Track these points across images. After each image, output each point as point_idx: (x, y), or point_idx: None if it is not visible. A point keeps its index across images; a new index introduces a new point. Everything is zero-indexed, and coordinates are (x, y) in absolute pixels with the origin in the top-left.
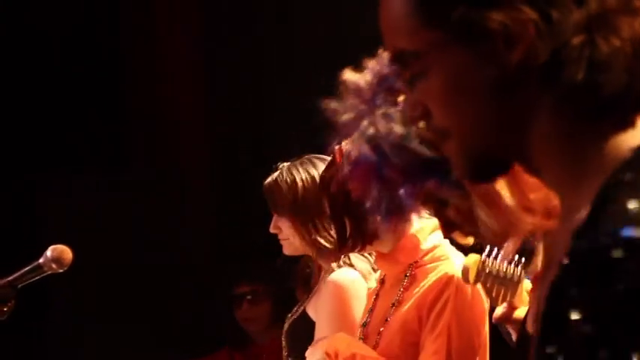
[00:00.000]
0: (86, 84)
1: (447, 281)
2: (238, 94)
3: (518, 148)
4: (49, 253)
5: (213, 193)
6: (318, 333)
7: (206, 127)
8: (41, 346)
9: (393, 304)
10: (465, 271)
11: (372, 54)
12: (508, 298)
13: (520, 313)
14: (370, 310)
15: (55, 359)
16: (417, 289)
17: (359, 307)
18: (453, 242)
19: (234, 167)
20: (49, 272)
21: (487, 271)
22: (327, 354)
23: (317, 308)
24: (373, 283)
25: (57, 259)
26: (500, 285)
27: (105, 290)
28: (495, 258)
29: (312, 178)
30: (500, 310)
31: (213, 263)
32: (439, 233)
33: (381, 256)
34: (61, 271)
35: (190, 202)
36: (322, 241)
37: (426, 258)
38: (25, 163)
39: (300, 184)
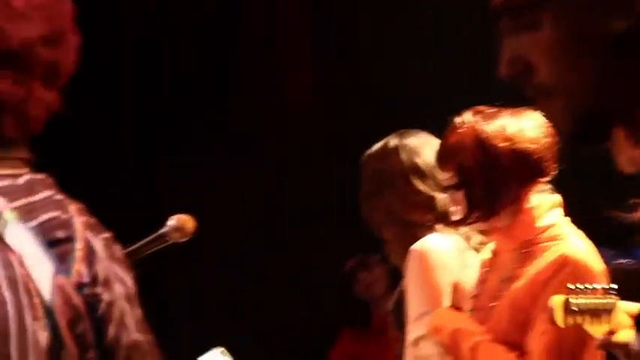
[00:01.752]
0: (209, 66)
1: (562, 262)
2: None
3: (630, 114)
4: (171, 222)
5: (333, 170)
6: (407, 305)
7: (327, 103)
8: (160, 318)
9: (506, 280)
10: (551, 314)
11: None
12: (605, 328)
13: (623, 335)
14: (481, 282)
15: (174, 331)
16: (531, 267)
17: (443, 275)
18: (575, 221)
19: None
20: (172, 242)
21: (575, 309)
22: (431, 329)
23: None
24: (487, 254)
25: (179, 228)
26: (592, 318)
27: (224, 268)
28: (580, 294)
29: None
30: (600, 337)
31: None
32: (558, 211)
33: (496, 230)
34: (183, 240)
35: (310, 181)
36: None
37: (542, 236)
38: (154, 140)
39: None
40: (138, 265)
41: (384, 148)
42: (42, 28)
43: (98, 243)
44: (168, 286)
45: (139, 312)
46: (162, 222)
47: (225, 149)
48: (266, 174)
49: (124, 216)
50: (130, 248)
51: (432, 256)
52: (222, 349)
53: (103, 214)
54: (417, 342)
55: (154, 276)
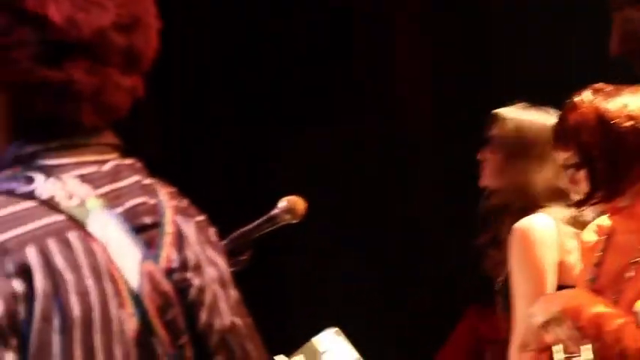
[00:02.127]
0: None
1: None
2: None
3: None
4: (282, 204)
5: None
6: (511, 284)
7: (433, 83)
8: (275, 299)
9: (635, 262)
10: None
11: None
12: None
13: None
14: (596, 265)
15: (289, 311)
16: None
17: (546, 254)
18: None
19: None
20: (283, 223)
21: None
22: (566, 311)
23: None
24: (591, 236)
25: (290, 210)
26: None
27: (338, 246)
28: None
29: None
30: None
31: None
32: None
33: (615, 210)
34: (294, 221)
35: (415, 162)
36: None
37: None
38: (267, 115)
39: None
40: (250, 247)
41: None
42: (115, 14)
43: (189, 227)
44: (283, 267)
45: (234, 295)
46: (274, 204)
47: (341, 130)
48: (386, 153)
49: (237, 198)
50: (242, 230)
51: (535, 235)
52: (337, 329)
53: (215, 198)
54: (546, 325)
55: (269, 257)
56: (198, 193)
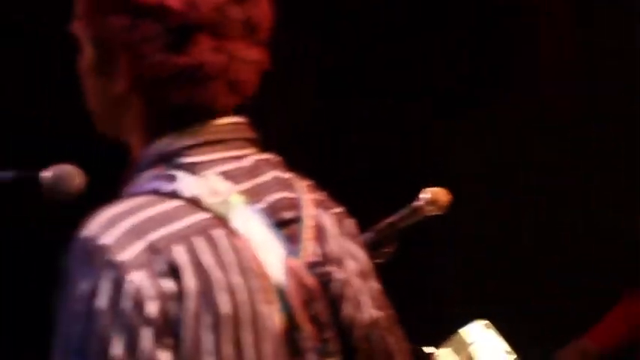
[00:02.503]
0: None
1: None
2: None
3: None
4: (426, 195)
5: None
6: None
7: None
8: (424, 290)
9: None
10: None
11: None
12: None
13: None
14: None
15: (439, 302)
16: None
17: None
18: None
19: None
20: (427, 215)
21: None
22: None
23: None
24: None
25: (433, 202)
26: None
27: (489, 236)
28: None
29: None
30: None
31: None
32: None
33: None
34: (438, 213)
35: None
36: None
37: None
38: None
39: None
40: (395, 238)
41: None
42: None
43: (329, 220)
44: (433, 257)
45: (376, 287)
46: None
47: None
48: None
49: (381, 190)
50: (385, 222)
51: None
52: (486, 322)
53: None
54: None
55: (416, 247)
56: (338, 188)
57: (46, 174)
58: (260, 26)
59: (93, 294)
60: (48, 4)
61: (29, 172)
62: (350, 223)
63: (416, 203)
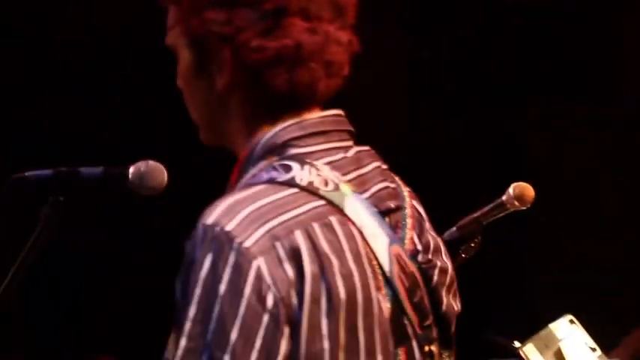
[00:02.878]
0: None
1: None
2: None
3: None
4: (510, 190)
5: None
6: None
7: None
8: (517, 285)
9: None
10: None
11: None
12: None
13: None
14: None
15: (533, 298)
16: None
17: None
18: None
19: None
20: (512, 210)
21: None
22: None
23: None
24: None
25: (519, 197)
26: None
27: (590, 238)
28: None
29: None
30: None
31: None
32: None
33: None
34: (523, 208)
35: None
36: None
37: None
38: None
39: None
40: (480, 233)
41: None
42: None
43: (423, 212)
44: (528, 254)
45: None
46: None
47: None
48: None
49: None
50: (471, 216)
51: None
52: (571, 317)
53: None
54: None
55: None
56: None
57: (132, 170)
58: (347, 8)
59: (216, 279)
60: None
61: (117, 169)
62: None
63: (501, 198)
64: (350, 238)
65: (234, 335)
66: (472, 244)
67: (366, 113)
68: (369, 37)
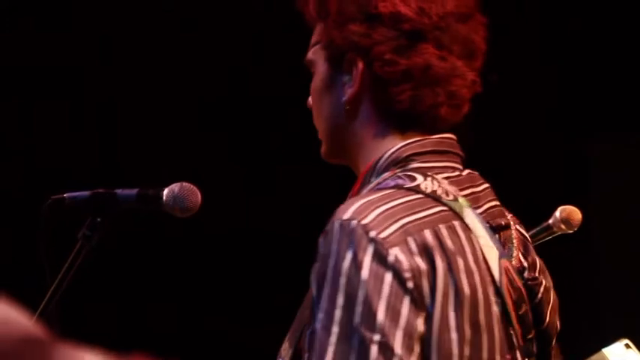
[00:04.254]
0: None
1: None
2: None
3: None
4: (557, 213)
5: None
6: None
7: None
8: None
9: None
10: None
11: None
12: None
13: None
14: None
15: (597, 318)
16: None
17: None
18: None
19: None
20: (559, 233)
21: None
22: None
23: None
24: None
25: (565, 220)
26: None
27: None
28: None
29: None
30: None
31: None
32: None
33: None
34: (570, 232)
35: None
36: None
37: None
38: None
39: None
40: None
41: None
42: (454, 3)
43: (527, 235)
44: (589, 276)
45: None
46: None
47: None
48: None
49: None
50: None
51: None
52: (627, 341)
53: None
54: None
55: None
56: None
57: (166, 192)
58: (477, 52)
59: (357, 267)
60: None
61: (152, 190)
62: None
63: (548, 221)
64: (470, 242)
65: (380, 315)
66: None
67: None
68: None
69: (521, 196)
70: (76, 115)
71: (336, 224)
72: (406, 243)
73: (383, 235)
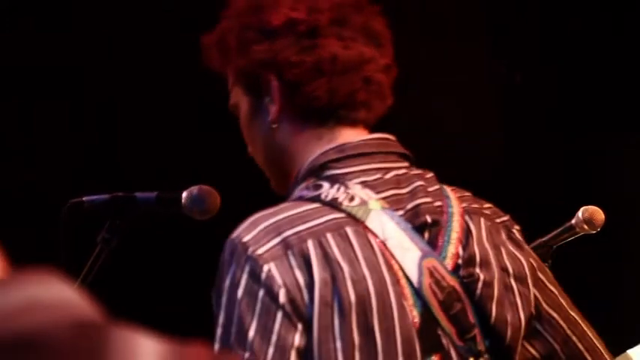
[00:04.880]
0: None
1: None
2: None
3: None
4: (580, 213)
5: None
6: None
7: None
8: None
9: None
10: None
11: None
12: None
13: None
14: None
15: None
16: None
17: None
18: None
19: None
20: (582, 233)
21: None
22: None
23: None
24: None
25: (588, 221)
26: None
27: None
28: None
29: None
30: None
31: None
32: None
33: None
34: (593, 232)
35: None
36: None
37: None
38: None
39: None
40: (551, 256)
41: None
42: None
43: (479, 226)
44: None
45: (532, 293)
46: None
47: None
48: None
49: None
50: (541, 240)
51: None
52: None
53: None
54: None
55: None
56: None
57: (185, 194)
58: (382, 39)
59: (235, 285)
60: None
61: (171, 193)
62: (515, 229)
63: (570, 222)
64: (366, 247)
65: (251, 333)
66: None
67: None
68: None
69: (521, 197)
70: (76, 115)
71: (227, 242)
72: (285, 257)
73: (259, 251)
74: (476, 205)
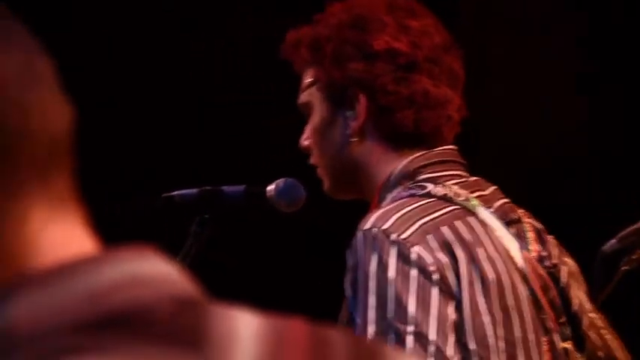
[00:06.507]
0: None
1: None
2: None
3: None
4: None
5: None
6: None
7: None
8: None
9: None
10: None
11: None
12: None
13: None
14: None
15: None
16: None
17: None
18: None
19: None
20: None
21: None
22: None
23: None
24: None
25: None
26: None
27: None
28: None
29: None
30: None
31: None
32: None
33: None
34: None
35: None
36: None
37: None
38: None
39: None
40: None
41: None
42: (440, 37)
43: (539, 228)
44: None
45: (585, 290)
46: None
47: None
48: None
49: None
50: (630, 228)
51: None
52: None
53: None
54: None
55: None
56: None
57: (271, 187)
58: (459, 80)
59: (383, 269)
60: None
61: (258, 187)
62: (550, 238)
63: None
64: (485, 234)
65: (411, 308)
66: (634, 256)
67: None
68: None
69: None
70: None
71: (359, 235)
72: (426, 241)
73: (403, 236)
74: (521, 210)
